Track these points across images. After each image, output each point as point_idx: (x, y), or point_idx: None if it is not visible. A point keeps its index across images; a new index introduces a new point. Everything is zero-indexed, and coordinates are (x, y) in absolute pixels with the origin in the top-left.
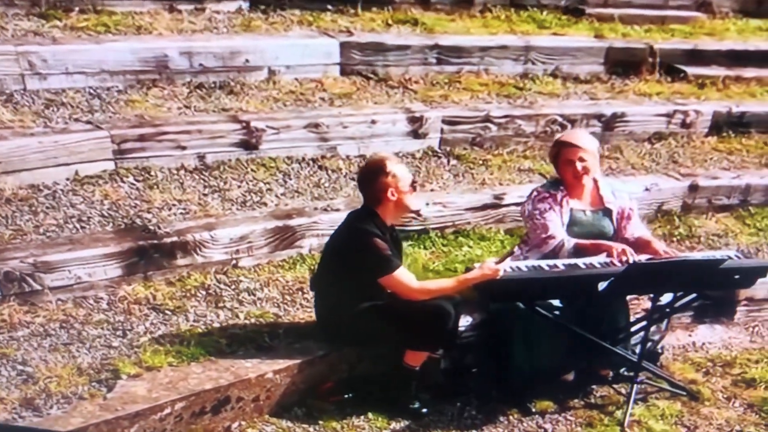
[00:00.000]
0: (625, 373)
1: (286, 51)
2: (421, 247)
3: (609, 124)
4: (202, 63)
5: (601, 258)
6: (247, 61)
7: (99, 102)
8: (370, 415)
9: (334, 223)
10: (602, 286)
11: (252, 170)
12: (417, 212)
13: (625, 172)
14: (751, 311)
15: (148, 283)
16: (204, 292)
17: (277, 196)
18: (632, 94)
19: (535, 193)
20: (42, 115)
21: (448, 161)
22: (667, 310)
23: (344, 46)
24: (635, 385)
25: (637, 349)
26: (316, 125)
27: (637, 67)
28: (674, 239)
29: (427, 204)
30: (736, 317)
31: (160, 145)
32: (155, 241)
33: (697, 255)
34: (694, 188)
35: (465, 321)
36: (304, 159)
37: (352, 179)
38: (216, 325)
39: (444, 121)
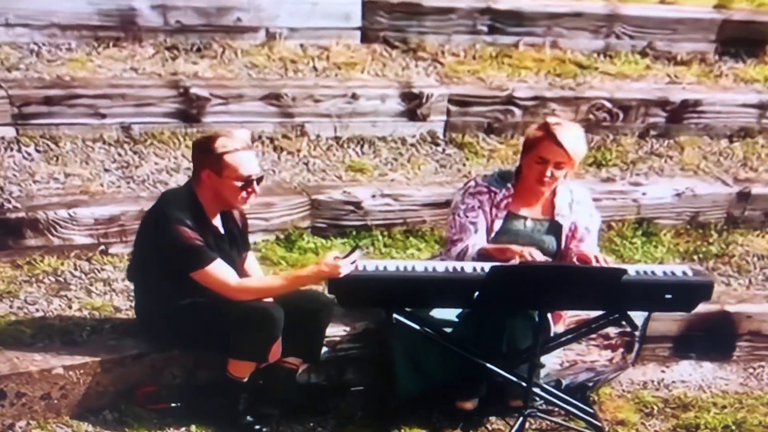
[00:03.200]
0: (542, 406)
1: (289, 9)
2: (342, 243)
3: (676, 114)
4: (179, 20)
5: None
6: (238, 20)
7: (32, 60)
8: (193, 427)
9: None
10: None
11: (186, 146)
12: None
13: (662, 173)
14: (756, 349)
15: None
16: (52, 279)
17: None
18: (732, 80)
19: (472, 184)
20: None
21: (444, 150)
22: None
23: (368, 7)
24: (523, 418)
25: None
26: (277, 96)
27: (759, 47)
28: (694, 258)
29: (373, 196)
30: (735, 355)
31: (73, 111)
32: None
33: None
34: (744, 197)
35: (342, 330)
36: (260, 137)
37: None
38: (38, 314)
39: (452, 101)
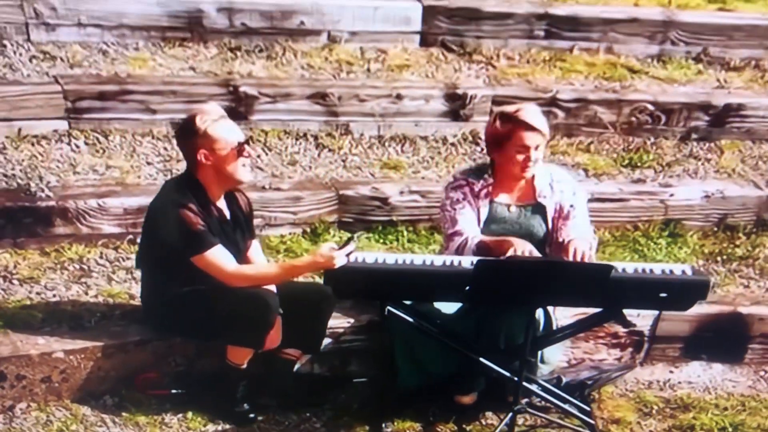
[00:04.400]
0: (538, 403)
1: (351, 14)
2: (381, 240)
3: (719, 118)
4: (244, 22)
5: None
6: (301, 23)
7: (97, 58)
8: (189, 414)
9: (265, 202)
10: None
11: None
12: (239, 183)
13: (695, 175)
14: None
15: (19, 250)
16: (76, 266)
17: None
18: None
19: (451, 180)
20: (13, 67)
21: (483, 149)
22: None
23: (429, 11)
24: (512, 414)
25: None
26: (324, 96)
27: None
28: (718, 260)
29: (401, 192)
30: (747, 357)
31: (125, 107)
32: (27, 204)
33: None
34: None
35: (346, 322)
36: (305, 135)
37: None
38: (53, 299)
39: (496, 102)
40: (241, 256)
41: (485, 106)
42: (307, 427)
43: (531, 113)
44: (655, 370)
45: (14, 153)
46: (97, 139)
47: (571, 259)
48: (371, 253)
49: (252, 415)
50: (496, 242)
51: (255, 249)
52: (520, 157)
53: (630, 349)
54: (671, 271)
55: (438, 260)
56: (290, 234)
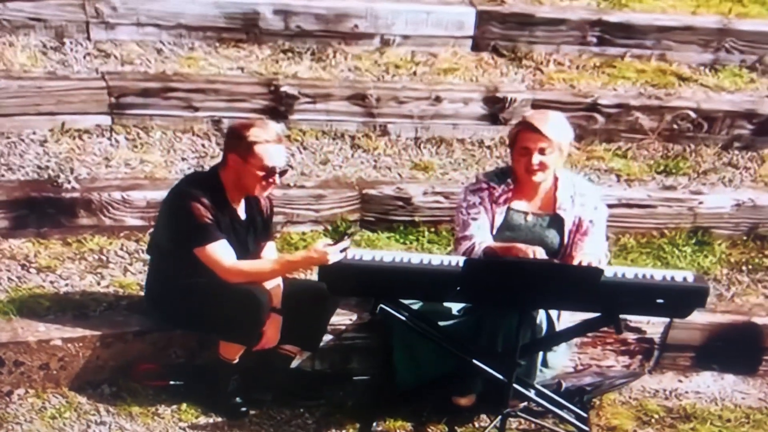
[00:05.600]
0: (535, 407)
1: (404, 17)
2: (402, 241)
3: (764, 127)
4: (299, 25)
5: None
6: (355, 26)
7: (151, 57)
8: (184, 406)
9: (288, 199)
10: None
11: None
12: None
13: (729, 184)
14: None
15: (42, 240)
16: (96, 257)
17: None
18: None
19: (473, 181)
20: (66, 63)
21: None
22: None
23: (482, 16)
24: (502, 417)
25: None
26: (363, 97)
27: None
28: (743, 269)
29: (425, 193)
30: (761, 369)
31: (167, 103)
32: (52, 195)
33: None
34: None
35: (348, 319)
36: (343, 135)
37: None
38: (64, 288)
39: (536, 106)
40: (250, 257)
41: (525, 109)
42: (299, 423)
43: (540, 117)
44: (663, 378)
45: (53, 146)
46: (138, 134)
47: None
48: (370, 251)
49: (244, 409)
50: (504, 248)
51: (269, 250)
52: (524, 159)
53: (639, 357)
54: (672, 278)
55: (435, 259)
56: (311, 231)
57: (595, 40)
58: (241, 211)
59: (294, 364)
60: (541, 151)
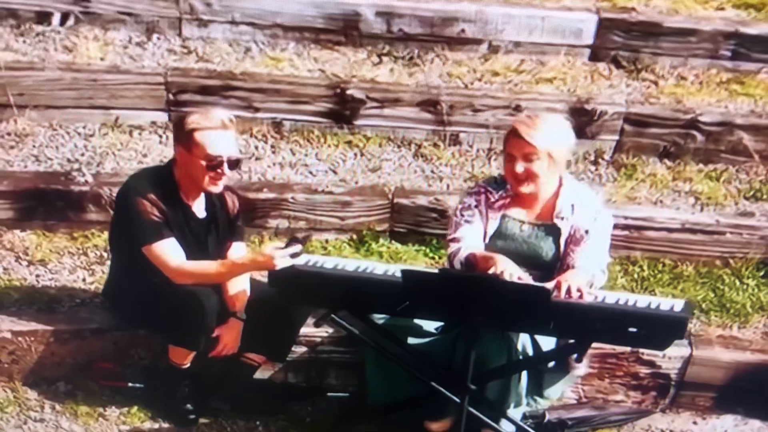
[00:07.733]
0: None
1: (516, 23)
2: (432, 255)
3: None
4: (402, 28)
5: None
6: (462, 31)
7: (237, 56)
8: (134, 408)
9: (312, 205)
10: None
11: (327, 146)
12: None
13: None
14: None
15: (47, 233)
16: (97, 253)
17: (304, 174)
18: None
19: (473, 185)
20: (140, 58)
21: (596, 170)
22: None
23: (605, 24)
24: None
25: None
26: (435, 103)
27: None
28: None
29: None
30: None
31: (226, 102)
32: (60, 188)
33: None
34: None
35: (324, 332)
36: (410, 143)
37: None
38: (47, 282)
39: (628, 121)
40: (211, 258)
41: (616, 123)
42: None
43: (527, 121)
44: (677, 419)
45: (98, 140)
46: None
47: (563, 296)
48: (335, 258)
49: (192, 416)
50: (484, 258)
51: (236, 250)
52: (510, 166)
53: (653, 393)
54: (657, 306)
55: (392, 270)
56: (335, 239)
57: (728, 53)
58: (199, 208)
59: (264, 375)
60: (527, 159)
